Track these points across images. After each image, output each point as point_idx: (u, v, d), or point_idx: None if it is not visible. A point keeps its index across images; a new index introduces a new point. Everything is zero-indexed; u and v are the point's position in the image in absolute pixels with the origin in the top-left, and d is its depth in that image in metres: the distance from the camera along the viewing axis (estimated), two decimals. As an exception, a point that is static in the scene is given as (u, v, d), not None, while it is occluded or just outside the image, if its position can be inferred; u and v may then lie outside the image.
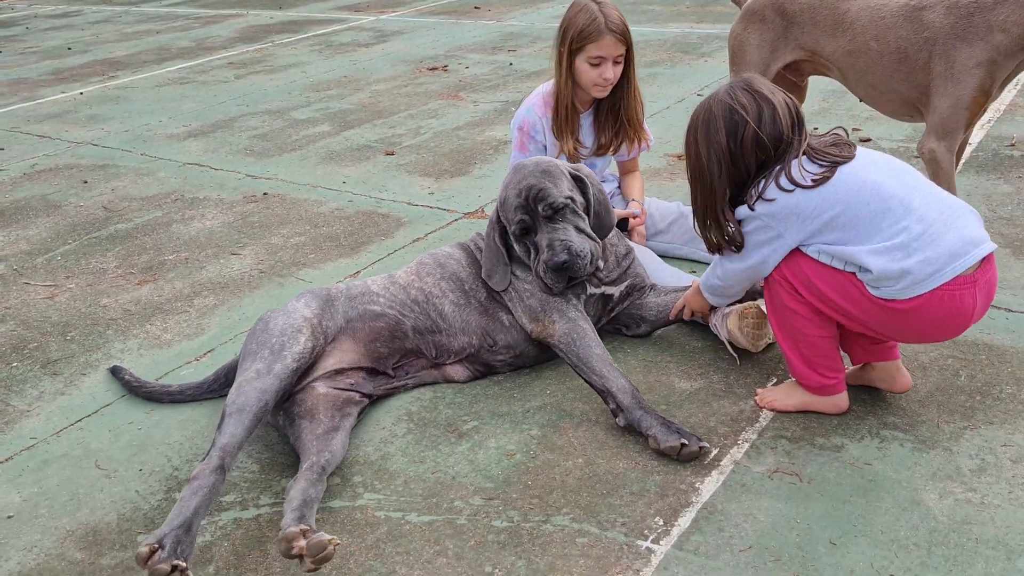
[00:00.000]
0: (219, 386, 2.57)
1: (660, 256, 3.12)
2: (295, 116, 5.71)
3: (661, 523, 2.02)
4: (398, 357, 2.57)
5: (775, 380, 2.54)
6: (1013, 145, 4.28)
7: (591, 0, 2.96)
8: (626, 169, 3.38)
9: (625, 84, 3.08)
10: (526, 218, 2.54)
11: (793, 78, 3.43)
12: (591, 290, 2.64)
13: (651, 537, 1.98)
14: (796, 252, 2.20)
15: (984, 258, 2.10)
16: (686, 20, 8.10)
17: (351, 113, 5.70)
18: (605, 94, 3.06)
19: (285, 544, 1.84)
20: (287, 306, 2.50)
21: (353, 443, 2.38)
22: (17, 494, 2.27)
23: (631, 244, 2.87)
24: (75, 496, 2.25)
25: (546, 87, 3.17)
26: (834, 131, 2.24)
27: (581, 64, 2.98)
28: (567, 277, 2.51)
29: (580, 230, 2.54)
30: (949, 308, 2.08)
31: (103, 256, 3.72)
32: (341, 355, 2.47)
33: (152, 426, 2.52)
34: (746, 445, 2.27)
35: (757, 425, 2.34)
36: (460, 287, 2.65)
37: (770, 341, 2.65)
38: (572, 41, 2.96)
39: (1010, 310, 2.82)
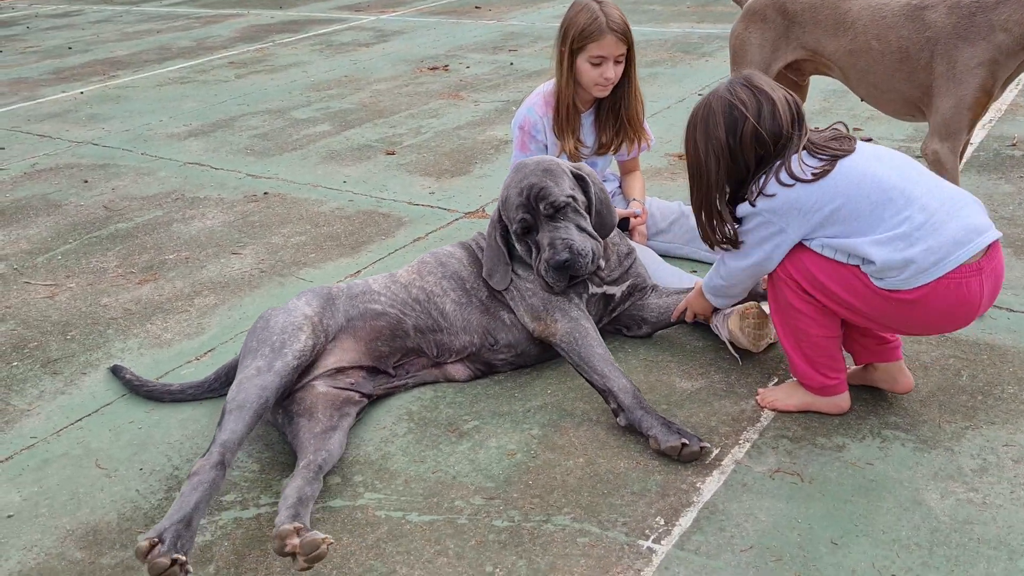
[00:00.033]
0: (220, 385, 2.57)
1: (661, 256, 3.12)
2: (296, 116, 5.71)
3: (662, 523, 2.02)
4: (399, 356, 2.56)
5: (776, 380, 2.54)
6: (1014, 145, 4.28)
7: (592, -1, 2.96)
8: (627, 169, 3.37)
9: (626, 83, 3.08)
10: (528, 217, 2.53)
11: (794, 77, 3.42)
12: (593, 289, 2.64)
13: (652, 537, 1.98)
14: (799, 248, 2.20)
15: (990, 246, 2.08)
16: (687, 20, 8.10)
17: (352, 113, 5.70)
18: (606, 93, 3.06)
19: (279, 542, 1.84)
20: (288, 304, 2.50)
21: (354, 442, 2.38)
22: (17, 493, 2.27)
23: (633, 244, 2.86)
24: (75, 495, 2.25)
25: (547, 86, 3.16)
26: (834, 126, 2.23)
27: (582, 63, 2.98)
28: (568, 276, 2.51)
29: (582, 229, 2.54)
30: (956, 296, 2.06)
31: (103, 255, 3.72)
32: (342, 354, 2.47)
33: (152, 425, 2.52)
34: (747, 445, 2.26)
35: (758, 425, 2.34)
36: (461, 286, 2.65)
37: (771, 341, 2.65)
38: (573, 40, 2.96)
39: (1012, 310, 2.82)
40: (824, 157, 2.13)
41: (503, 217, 2.63)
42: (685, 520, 2.02)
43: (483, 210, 3.94)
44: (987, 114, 4.38)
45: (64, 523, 2.15)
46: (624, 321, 2.78)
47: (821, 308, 2.21)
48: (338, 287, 2.62)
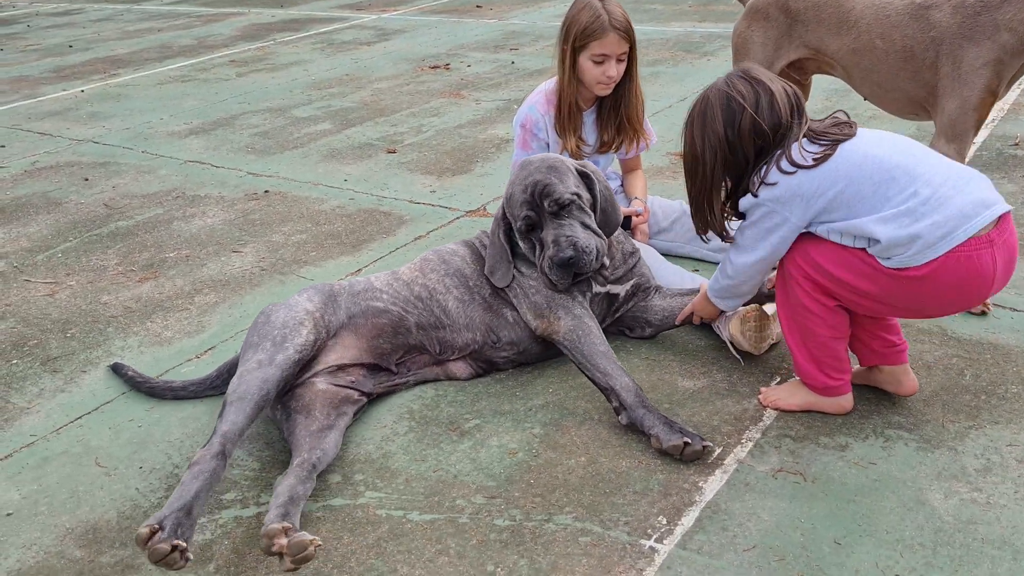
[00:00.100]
0: (221, 382, 2.57)
1: (663, 254, 3.11)
2: (296, 114, 5.70)
3: (664, 522, 2.01)
4: (401, 353, 2.56)
5: (779, 379, 2.53)
6: (1017, 144, 4.27)
7: (594, -3, 2.95)
8: (629, 167, 3.36)
9: (627, 82, 3.07)
10: (532, 214, 2.52)
11: (797, 76, 3.41)
12: (596, 288, 2.63)
13: (654, 536, 1.97)
14: (804, 239, 2.19)
15: (1000, 218, 2.04)
16: (688, 19, 8.09)
17: (353, 111, 5.69)
18: (608, 92, 3.05)
19: (266, 541, 1.83)
20: (289, 300, 2.50)
21: (354, 441, 2.37)
22: (17, 491, 2.26)
23: (637, 244, 2.85)
24: (75, 494, 2.24)
25: (549, 85, 3.15)
26: (834, 114, 2.21)
27: (584, 62, 2.97)
28: (572, 273, 2.50)
29: (586, 226, 2.53)
30: (966, 270, 2.02)
31: (104, 253, 3.71)
32: (343, 351, 2.46)
33: (152, 423, 2.51)
34: (750, 444, 2.25)
35: (761, 424, 2.33)
36: (464, 283, 2.64)
37: (773, 342, 2.64)
38: (576, 38, 2.95)
39: (1015, 309, 2.81)
40: (825, 143, 2.11)
41: (507, 214, 2.62)
42: (687, 519, 2.01)
43: (484, 209, 3.93)
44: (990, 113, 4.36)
45: (64, 521, 2.14)
46: (627, 322, 2.77)
47: (831, 308, 2.20)
48: (340, 284, 2.62)
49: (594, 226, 2.56)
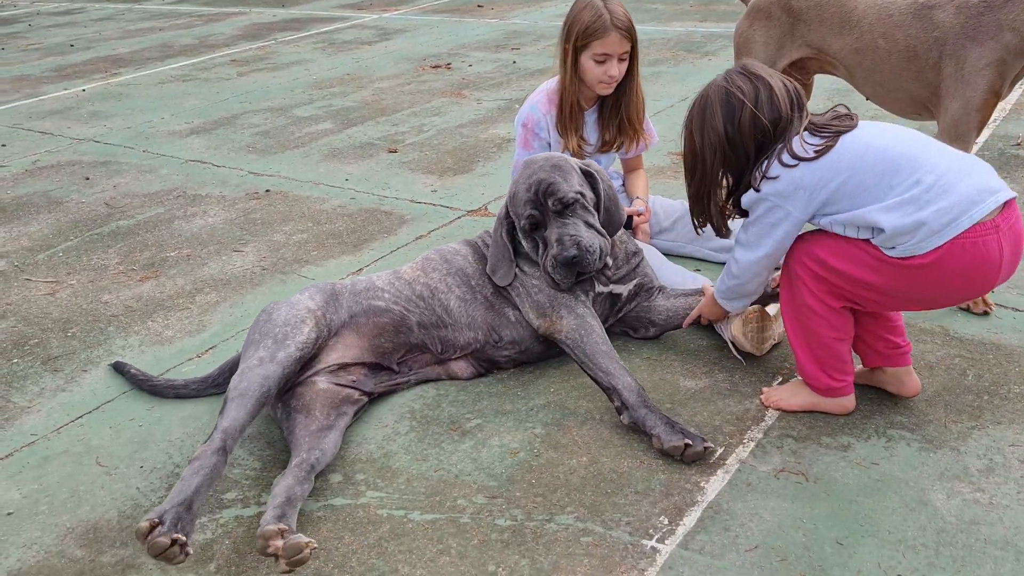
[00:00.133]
0: (223, 381, 2.56)
1: (664, 254, 3.10)
2: (298, 113, 5.70)
3: (666, 522, 2.00)
4: (403, 352, 2.55)
5: (780, 379, 2.53)
6: (1019, 144, 4.26)
7: (596, -4, 2.94)
8: (630, 167, 3.36)
9: (628, 81, 3.07)
10: (536, 213, 2.52)
11: (799, 76, 3.40)
12: (599, 288, 2.63)
13: (656, 536, 1.96)
14: (807, 237, 2.18)
15: (1005, 204, 2.02)
16: (690, 19, 8.09)
17: (354, 111, 5.68)
18: (610, 91, 3.04)
19: (262, 542, 1.83)
20: (291, 298, 2.50)
21: (356, 440, 2.37)
22: (17, 491, 2.26)
23: (640, 244, 2.85)
24: (75, 493, 2.23)
25: (550, 84, 3.15)
26: (835, 107, 2.20)
27: (586, 61, 2.96)
28: (576, 272, 2.49)
29: (590, 226, 2.53)
30: (972, 256, 2.00)
31: (105, 252, 3.70)
32: (344, 350, 2.46)
33: (153, 423, 2.51)
34: (752, 444, 2.25)
35: (763, 424, 2.32)
36: (466, 283, 2.64)
37: (774, 343, 2.63)
38: (577, 38, 2.94)
39: (1017, 309, 2.80)
40: (826, 135, 2.10)
41: (510, 213, 2.61)
42: (689, 520, 2.01)
43: (485, 208, 3.93)
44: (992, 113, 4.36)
45: (64, 521, 2.14)
46: (631, 323, 2.76)
47: (836, 310, 2.18)
48: (342, 283, 2.62)
49: (598, 225, 2.55)
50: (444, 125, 5.25)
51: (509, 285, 2.61)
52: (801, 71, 3.39)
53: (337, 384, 2.40)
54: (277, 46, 8.06)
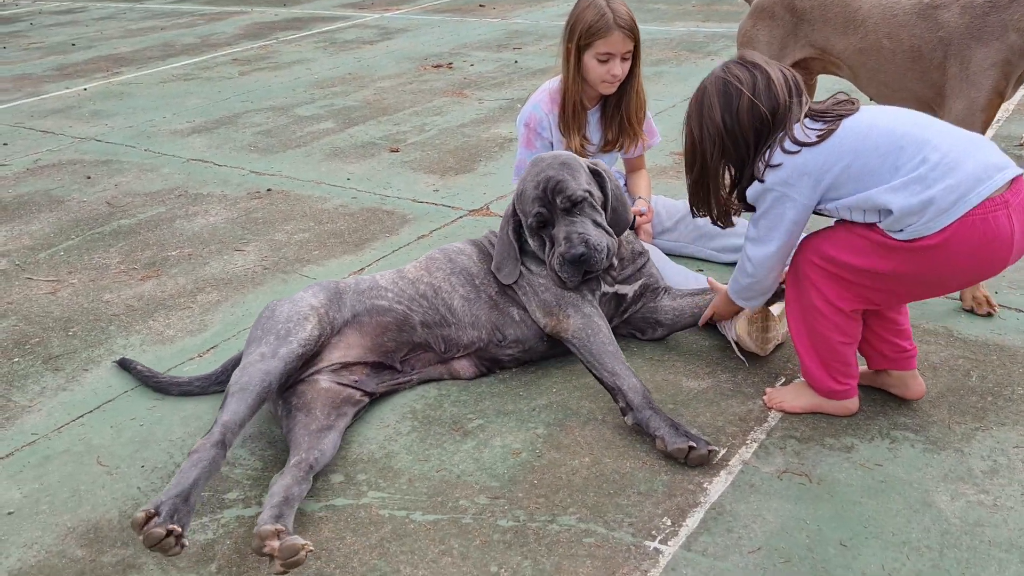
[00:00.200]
0: (227, 379, 2.55)
1: (666, 254, 3.10)
2: (299, 113, 5.69)
3: (669, 523, 1.99)
4: (406, 351, 2.55)
5: (783, 380, 2.52)
6: (1022, 145, 4.25)
7: (599, -5, 2.93)
8: (633, 167, 3.35)
9: (629, 80, 3.06)
10: (543, 211, 2.51)
11: (802, 76, 3.39)
12: (604, 288, 2.62)
13: (659, 538, 1.95)
14: (813, 236, 2.18)
15: (1013, 181, 1.99)
16: (692, 19, 8.08)
17: (356, 110, 5.68)
18: (613, 90, 3.04)
19: (258, 541, 1.82)
20: (294, 296, 2.49)
21: (357, 440, 2.36)
22: (18, 490, 2.25)
23: (646, 245, 2.84)
24: (76, 493, 2.23)
25: (552, 83, 3.14)
26: (835, 95, 2.18)
27: (589, 60, 2.96)
28: (583, 271, 2.49)
29: (597, 224, 2.52)
30: (983, 233, 1.96)
31: (106, 252, 3.70)
32: (347, 349, 2.46)
33: (154, 422, 2.50)
34: (755, 445, 2.24)
35: (766, 425, 2.32)
36: (470, 282, 2.63)
37: (778, 343, 2.63)
38: (580, 37, 2.94)
39: (1021, 310, 2.79)
40: (828, 119, 2.09)
41: (518, 211, 2.61)
42: (692, 521, 2.00)
43: (487, 208, 3.92)
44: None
45: (65, 520, 2.13)
46: (638, 324, 2.75)
47: (845, 314, 2.17)
48: (345, 282, 2.61)
49: (605, 224, 2.54)
50: (446, 125, 5.25)
51: (515, 284, 2.60)
52: (804, 71, 3.38)
53: (339, 383, 2.40)
54: (279, 45, 8.05)
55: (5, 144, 5.35)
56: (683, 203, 3.30)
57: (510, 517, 2.04)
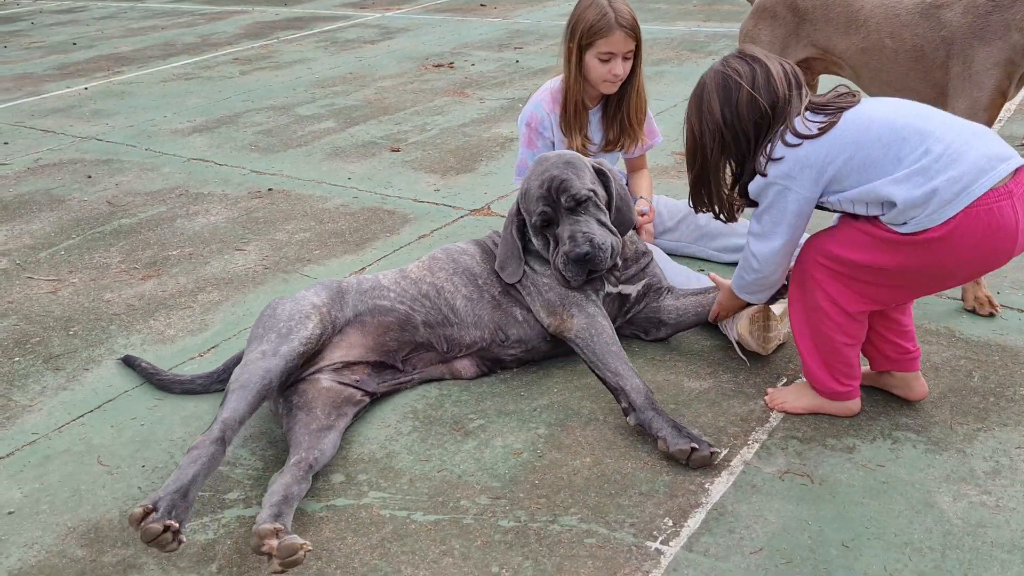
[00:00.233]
0: (228, 377, 2.55)
1: (668, 254, 3.09)
2: (300, 112, 5.69)
3: (670, 524, 1.99)
4: (408, 350, 2.55)
5: (785, 380, 2.51)
6: (1024, 145, 4.25)
7: (600, -5, 2.93)
8: (634, 167, 3.35)
9: (630, 80, 3.05)
10: (548, 210, 2.51)
11: (804, 76, 3.39)
12: (608, 288, 2.61)
13: (660, 538, 1.95)
14: (816, 236, 2.17)
15: (1016, 172, 1.98)
16: (693, 18, 8.07)
17: (357, 109, 5.67)
18: (615, 90, 3.03)
19: (256, 540, 1.82)
20: (296, 295, 2.49)
21: (358, 440, 2.36)
22: (18, 490, 2.25)
23: (649, 246, 2.84)
24: (77, 492, 2.23)
25: (554, 83, 3.14)
26: (836, 88, 2.17)
27: (591, 60, 2.95)
28: (587, 270, 2.48)
29: (602, 223, 2.52)
30: (988, 224, 1.95)
31: (107, 251, 3.70)
32: (348, 348, 2.45)
33: (155, 422, 2.50)
34: (756, 445, 2.24)
35: (767, 425, 2.31)
36: (473, 282, 2.63)
37: (779, 343, 2.62)
38: (582, 36, 2.93)
39: (1022, 311, 2.79)
40: (829, 111, 2.08)
41: (522, 210, 2.60)
42: (693, 521, 1.99)
43: (488, 207, 3.92)
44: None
45: (65, 520, 2.13)
46: (642, 325, 2.74)
47: (850, 315, 2.16)
48: (348, 282, 2.61)
49: (609, 224, 2.54)
50: (447, 124, 5.24)
51: (519, 283, 2.60)
52: (806, 71, 3.38)
53: (340, 383, 2.39)
54: (280, 45, 8.05)
55: (6, 143, 5.35)
56: (684, 203, 3.29)
57: (511, 517, 2.04)
